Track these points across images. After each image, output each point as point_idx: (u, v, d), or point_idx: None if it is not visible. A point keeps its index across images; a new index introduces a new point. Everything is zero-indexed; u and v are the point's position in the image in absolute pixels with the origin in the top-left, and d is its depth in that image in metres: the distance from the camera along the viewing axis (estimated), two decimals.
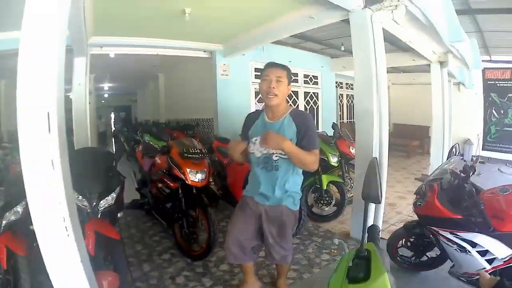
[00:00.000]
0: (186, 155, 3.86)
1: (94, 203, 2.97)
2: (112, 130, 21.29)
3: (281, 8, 4.95)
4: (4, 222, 2.84)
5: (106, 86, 16.21)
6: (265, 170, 2.60)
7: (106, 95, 20.89)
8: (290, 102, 8.67)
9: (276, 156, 2.54)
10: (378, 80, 3.89)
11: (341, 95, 12.10)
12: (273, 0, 4.68)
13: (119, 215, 3.28)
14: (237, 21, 5.50)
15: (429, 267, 3.40)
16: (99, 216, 2.97)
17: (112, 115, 24.59)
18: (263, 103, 2.70)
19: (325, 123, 9.61)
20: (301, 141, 2.49)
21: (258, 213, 2.70)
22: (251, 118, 2.80)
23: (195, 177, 3.73)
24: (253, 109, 7.80)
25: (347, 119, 12.40)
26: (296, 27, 5.29)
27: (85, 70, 5.52)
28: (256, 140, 2.61)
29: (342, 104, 12.28)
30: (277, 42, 7.53)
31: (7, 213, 2.86)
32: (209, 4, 4.59)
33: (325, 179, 5.00)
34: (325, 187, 4.98)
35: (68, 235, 1.79)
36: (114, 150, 10.94)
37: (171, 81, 12.49)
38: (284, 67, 2.60)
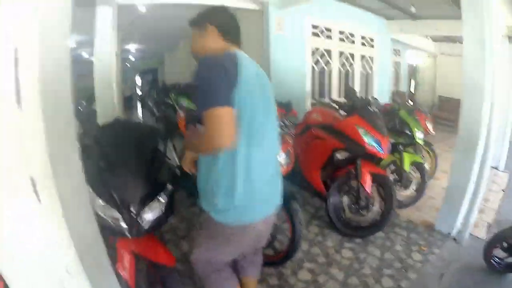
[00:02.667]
0: None
1: (134, 215, 1.84)
2: (139, 95, 20.67)
3: None
4: None
5: (131, 47, 15.09)
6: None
7: (131, 58, 19.75)
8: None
9: None
10: (492, 51, 3.07)
11: (398, 63, 11.12)
12: None
13: (169, 220, 2.07)
14: None
15: None
16: (142, 232, 1.87)
17: (138, 79, 23.70)
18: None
19: (380, 91, 8.63)
20: None
21: None
22: None
23: None
24: (309, 72, 6.76)
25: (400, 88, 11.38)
26: None
27: (112, 22, 4.58)
28: None
29: (399, 73, 11.29)
30: None
31: None
32: None
33: (407, 158, 4.15)
34: (407, 169, 4.14)
35: None
36: (143, 119, 9.91)
37: None
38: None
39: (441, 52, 12.39)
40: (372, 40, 8.46)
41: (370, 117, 3.40)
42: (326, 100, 6.66)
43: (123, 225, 1.79)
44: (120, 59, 7.42)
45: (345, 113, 3.83)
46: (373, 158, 3.50)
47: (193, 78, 1.50)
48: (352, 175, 3.43)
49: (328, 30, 7.10)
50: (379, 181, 3.46)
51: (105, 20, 4.57)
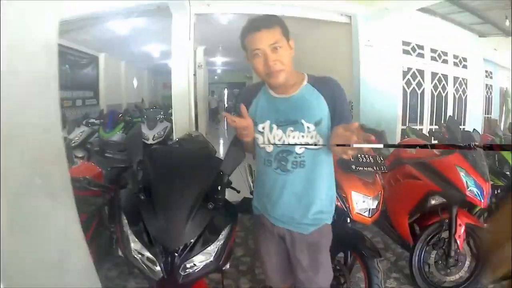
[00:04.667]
0: (353, 166, 2.33)
1: (176, 261, 1.47)
2: (225, 107, 21.09)
3: None
4: None
5: (218, 60, 15.20)
6: (281, 171, 1.60)
7: (218, 71, 20.24)
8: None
9: (301, 147, 1.56)
10: None
11: (489, 86, 9.47)
12: None
13: (225, 267, 1.66)
14: None
15: None
16: (181, 281, 1.47)
17: (225, 92, 24.29)
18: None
19: (473, 119, 7.58)
20: (339, 120, 1.53)
21: (280, 236, 1.74)
22: (248, 93, 1.77)
23: (362, 207, 2.33)
24: (399, 94, 6.01)
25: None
26: None
27: (188, 31, 4.37)
28: (264, 128, 1.62)
29: (491, 97, 9.59)
30: (424, 10, 5.89)
31: None
32: None
33: None
34: None
35: None
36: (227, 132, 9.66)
37: (296, 54, 10.52)
38: (273, 22, 1.50)
39: None
40: (465, 59, 7.49)
41: (473, 157, 2.66)
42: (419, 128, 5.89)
43: (158, 270, 1.44)
44: (206, 70, 7.29)
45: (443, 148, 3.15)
46: (468, 205, 2.79)
47: (339, 91, 1.58)
48: (445, 225, 2.71)
49: (420, 47, 6.38)
50: (473, 235, 2.70)
51: (181, 30, 4.39)
